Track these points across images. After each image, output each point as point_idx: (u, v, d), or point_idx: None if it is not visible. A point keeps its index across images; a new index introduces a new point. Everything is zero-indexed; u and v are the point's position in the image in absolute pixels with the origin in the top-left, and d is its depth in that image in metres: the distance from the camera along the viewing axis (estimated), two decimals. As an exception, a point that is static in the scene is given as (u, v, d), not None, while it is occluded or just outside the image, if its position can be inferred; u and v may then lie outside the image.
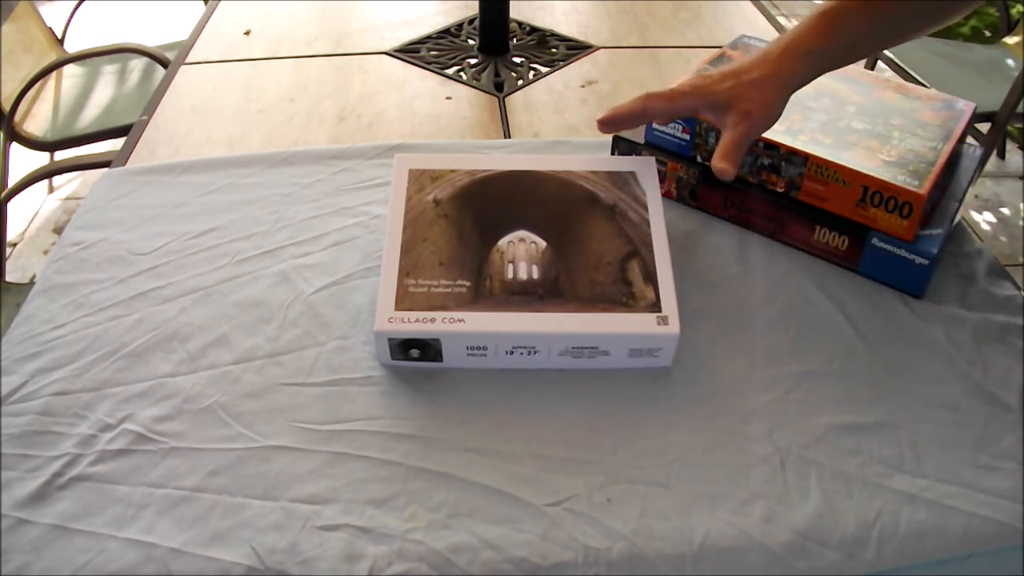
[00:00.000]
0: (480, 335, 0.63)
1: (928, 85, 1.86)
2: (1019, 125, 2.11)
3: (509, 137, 0.98)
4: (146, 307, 0.70)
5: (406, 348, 0.64)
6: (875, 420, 0.62)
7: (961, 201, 0.76)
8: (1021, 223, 2.33)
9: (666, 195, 0.83)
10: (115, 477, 0.57)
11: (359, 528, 0.54)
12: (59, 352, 0.66)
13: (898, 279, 0.73)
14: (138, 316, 0.70)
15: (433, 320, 0.63)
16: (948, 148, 0.73)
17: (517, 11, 1.24)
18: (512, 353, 0.64)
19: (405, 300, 0.64)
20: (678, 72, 0.90)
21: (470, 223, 0.70)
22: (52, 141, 1.84)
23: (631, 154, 0.84)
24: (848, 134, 0.75)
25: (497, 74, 1.12)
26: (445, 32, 1.23)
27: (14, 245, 2.20)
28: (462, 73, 1.12)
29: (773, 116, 0.66)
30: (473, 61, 1.15)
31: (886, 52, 2.26)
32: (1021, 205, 2.40)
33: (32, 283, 0.77)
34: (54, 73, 1.96)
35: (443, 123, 1.01)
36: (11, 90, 1.71)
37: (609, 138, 0.86)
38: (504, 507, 0.56)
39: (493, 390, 0.64)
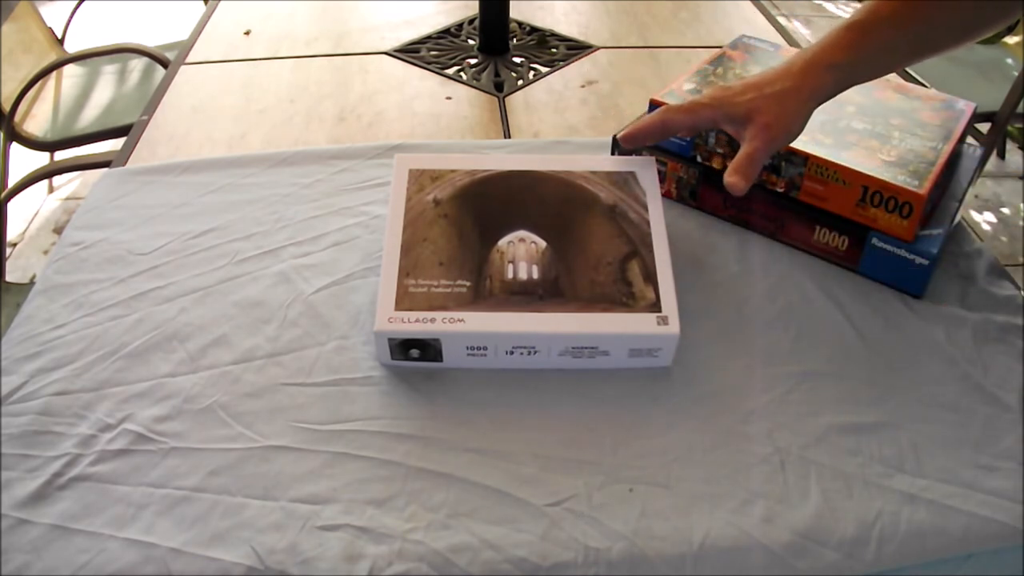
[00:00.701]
0: (480, 335, 0.63)
1: (928, 85, 1.86)
2: (1019, 125, 2.11)
3: (509, 137, 0.98)
4: (146, 307, 0.70)
5: (406, 348, 0.64)
6: (875, 420, 0.62)
7: (961, 201, 0.76)
8: (1021, 223, 2.33)
9: (666, 195, 0.83)
10: (115, 477, 0.57)
11: (359, 528, 0.54)
12: (59, 352, 0.66)
13: (898, 279, 0.73)
14: (138, 316, 0.70)
15: (433, 320, 0.63)
16: (948, 148, 0.73)
17: (517, 11, 1.24)
18: (512, 353, 0.64)
19: (405, 300, 0.64)
20: (678, 72, 0.90)
21: (470, 223, 0.70)
22: (52, 141, 1.84)
23: (631, 154, 0.84)
24: (848, 134, 0.75)
25: (497, 74, 1.12)
26: (445, 32, 1.23)
27: (14, 245, 2.20)
28: (462, 73, 1.12)
29: (794, 131, 0.65)
30: (473, 61, 1.15)
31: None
32: (1021, 205, 2.40)
33: (32, 283, 0.77)
34: (54, 73, 1.96)
35: (443, 123, 1.01)
36: (11, 90, 1.71)
37: (609, 138, 0.86)
38: (504, 507, 0.56)
39: (493, 390, 0.64)
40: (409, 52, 1.17)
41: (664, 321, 0.63)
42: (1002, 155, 2.53)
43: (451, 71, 1.13)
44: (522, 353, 0.64)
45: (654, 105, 0.80)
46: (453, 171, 0.74)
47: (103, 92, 1.99)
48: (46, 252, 2.17)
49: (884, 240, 0.71)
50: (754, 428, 0.61)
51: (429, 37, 1.21)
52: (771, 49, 0.88)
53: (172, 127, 0.99)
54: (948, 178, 0.76)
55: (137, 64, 2.06)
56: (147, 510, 0.55)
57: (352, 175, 0.87)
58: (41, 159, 1.98)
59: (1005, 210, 2.37)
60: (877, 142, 0.74)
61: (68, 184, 2.44)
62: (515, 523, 0.55)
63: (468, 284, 0.65)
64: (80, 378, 0.64)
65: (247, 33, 1.23)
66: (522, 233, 0.69)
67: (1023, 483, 0.57)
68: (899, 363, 0.66)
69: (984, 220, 2.34)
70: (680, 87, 0.81)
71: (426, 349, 0.64)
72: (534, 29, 1.24)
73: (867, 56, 0.65)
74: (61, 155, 1.94)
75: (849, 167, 0.71)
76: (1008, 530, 0.55)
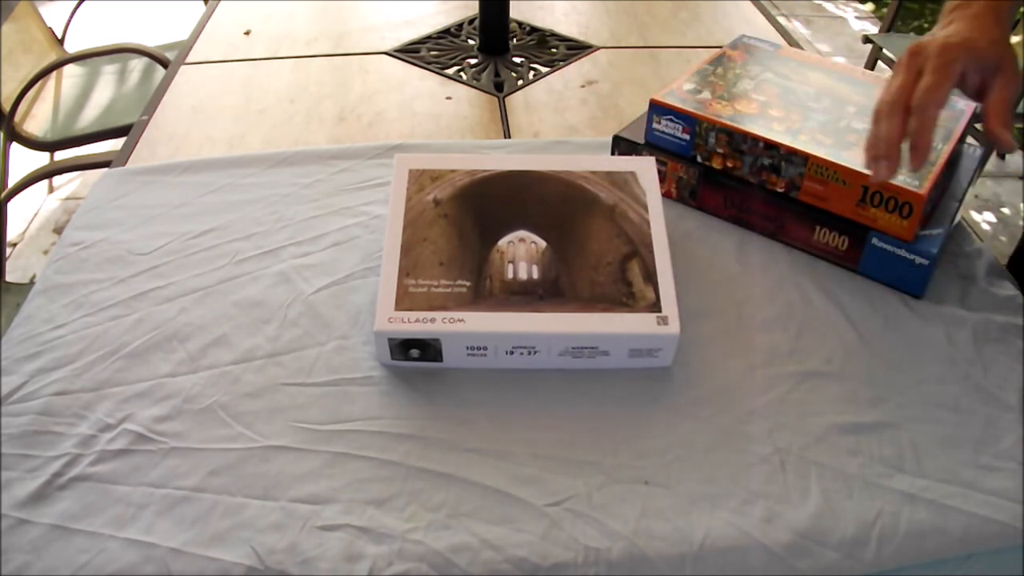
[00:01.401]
0: (480, 335, 0.63)
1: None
2: (1019, 125, 2.11)
3: (509, 137, 0.98)
4: (146, 307, 0.70)
5: (406, 348, 0.64)
6: (875, 420, 0.62)
7: (961, 201, 0.76)
8: (1021, 223, 2.33)
9: (666, 195, 0.83)
10: (115, 477, 0.57)
11: (359, 528, 0.54)
12: (59, 352, 0.66)
13: (898, 279, 0.73)
14: (138, 316, 0.70)
15: (433, 320, 0.63)
16: (948, 148, 0.73)
17: (517, 11, 1.24)
18: (512, 353, 0.64)
19: (405, 300, 0.64)
20: (678, 72, 0.90)
21: (470, 223, 0.70)
22: (52, 141, 1.84)
23: (631, 154, 0.84)
24: (848, 134, 0.75)
25: (497, 74, 1.12)
26: (445, 32, 1.23)
27: (14, 245, 2.20)
28: (462, 73, 1.12)
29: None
30: (473, 61, 1.15)
31: (886, 52, 2.26)
32: (1021, 205, 2.40)
33: (32, 283, 0.77)
34: (54, 73, 1.96)
35: (443, 123, 1.01)
36: (11, 90, 1.71)
37: (609, 138, 0.86)
38: (504, 507, 0.56)
39: (493, 390, 0.64)
40: (409, 52, 1.17)
41: (664, 321, 0.63)
42: (1002, 155, 2.53)
43: (451, 71, 1.13)
44: (522, 353, 0.64)
45: (654, 105, 0.80)
46: (453, 171, 0.74)
47: (103, 92, 1.99)
48: (46, 252, 2.17)
49: (884, 240, 0.71)
50: (754, 428, 0.61)
51: (429, 37, 1.21)
52: (771, 49, 0.88)
53: (172, 127, 0.99)
54: (948, 178, 0.76)
55: (137, 64, 2.06)
56: (147, 510, 0.55)
57: (352, 175, 0.87)
58: (41, 159, 1.98)
59: (1005, 210, 2.37)
60: (877, 142, 0.74)
61: (68, 184, 2.44)
62: (515, 523, 0.55)
63: (468, 284, 0.65)
64: (80, 378, 0.64)
65: (247, 33, 1.23)
66: (522, 233, 0.69)
67: (1023, 483, 0.57)
68: (899, 363, 0.66)
69: (984, 220, 2.34)
70: (680, 87, 0.81)
71: (426, 349, 0.64)
72: (534, 29, 1.24)
73: None
74: (61, 155, 1.94)
75: (849, 167, 0.71)
76: (1008, 530, 0.55)
